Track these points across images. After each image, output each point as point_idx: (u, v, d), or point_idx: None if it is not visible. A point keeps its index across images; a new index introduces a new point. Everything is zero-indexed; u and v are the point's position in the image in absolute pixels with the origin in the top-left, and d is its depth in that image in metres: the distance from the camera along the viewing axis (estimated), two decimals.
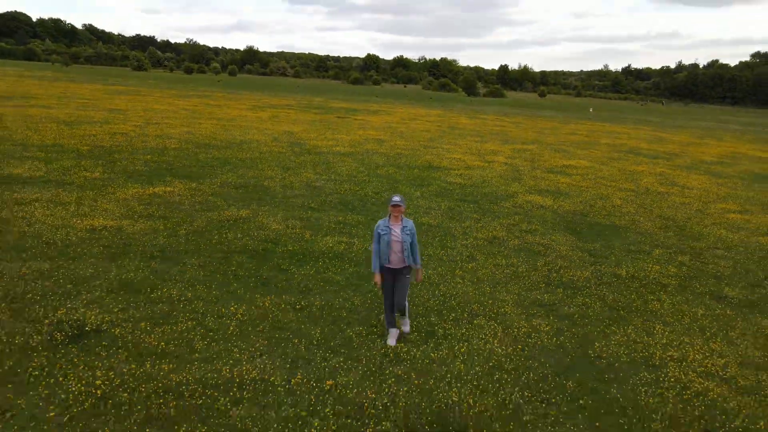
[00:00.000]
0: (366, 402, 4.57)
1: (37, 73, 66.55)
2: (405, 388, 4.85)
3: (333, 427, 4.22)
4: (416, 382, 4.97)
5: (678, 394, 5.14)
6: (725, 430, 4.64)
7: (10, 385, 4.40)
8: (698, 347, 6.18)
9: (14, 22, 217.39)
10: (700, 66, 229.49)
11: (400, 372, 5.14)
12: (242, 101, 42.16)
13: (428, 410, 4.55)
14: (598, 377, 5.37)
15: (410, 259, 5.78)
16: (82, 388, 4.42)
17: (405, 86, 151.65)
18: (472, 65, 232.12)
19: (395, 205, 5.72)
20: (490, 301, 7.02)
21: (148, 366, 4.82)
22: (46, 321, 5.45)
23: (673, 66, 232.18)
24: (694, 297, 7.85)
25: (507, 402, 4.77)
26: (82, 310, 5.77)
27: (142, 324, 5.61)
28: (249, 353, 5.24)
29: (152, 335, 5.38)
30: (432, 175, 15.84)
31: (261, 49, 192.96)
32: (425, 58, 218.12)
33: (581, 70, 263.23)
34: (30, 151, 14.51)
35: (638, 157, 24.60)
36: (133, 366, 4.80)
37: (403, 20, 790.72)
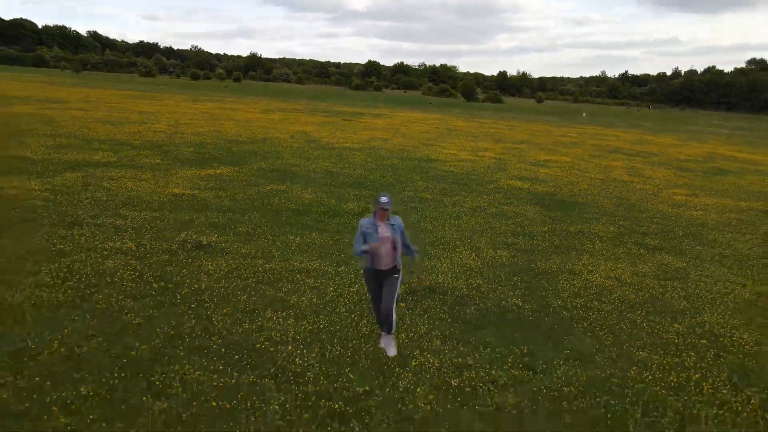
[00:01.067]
0: None
1: (55, 79, 69.63)
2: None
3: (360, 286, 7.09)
4: (420, 275, 7.82)
5: (584, 285, 7.99)
6: (607, 300, 7.48)
7: (169, 267, 7.26)
8: (609, 266, 9.03)
9: (20, 28, 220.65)
10: (699, 72, 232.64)
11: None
12: (253, 105, 45.12)
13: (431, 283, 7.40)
14: (534, 277, 8.22)
15: (400, 258, 5.48)
16: (212, 269, 7.28)
17: (405, 92, 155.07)
18: (471, 71, 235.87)
19: (383, 209, 5.27)
20: (469, 241, 9.87)
21: (248, 261, 7.69)
22: (176, 239, 8.33)
23: (669, 72, 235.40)
24: (621, 244, 10.68)
25: (473, 284, 7.61)
26: (195, 235, 8.65)
27: (236, 243, 8.48)
28: (309, 258, 8.10)
29: (245, 248, 8.26)
30: (429, 165, 18.72)
31: (262, 56, 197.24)
32: (425, 65, 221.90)
33: (581, 76, 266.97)
34: (94, 144, 17.40)
35: (617, 155, 27.44)
36: (240, 260, 7.67)
37: (403, 27, 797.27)
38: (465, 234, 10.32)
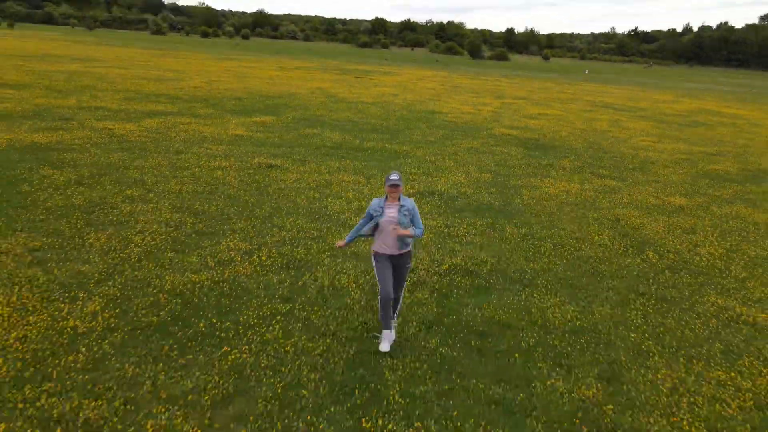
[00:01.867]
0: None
1: (75, 38, 72.04)
2: (412, 175, 11.17)
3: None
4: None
5: (540, 193, 11.40)
6: (554, 202, 10.90)
7: (256, 176, 10.72)
8: (563, 185, 12.39)
9: None
10: (712, 28, 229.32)
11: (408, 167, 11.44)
12: (268, 63, 47.85)
13: (424, 187, 10.85)
14: (506, 188, 11.62)
15: (412, 243, 5.39)
16: (284, 179, 10.74)
17: (412, 49, 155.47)
18: (480, 28, 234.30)
19: (393, 185, 5.11)
20: (462, 168, 13.25)
21: (307, 175, 11.15)
22: (252, 162, 11.79)
23: (672, 29, 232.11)
24: (579, 172, 14.03)
25: (461, 191, 11.05)
26: (264, 159, 12.10)
27: (295, 165, 11.92)
28: (347, 174, 11.53)
29: (302, 167, 11.72)
30: (434, 116, 21.92)
31: (268, 12, 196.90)
32: (432, 21, 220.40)
33: (591, 33, 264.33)
34: (152, 98, 20.69)
35: (607, 110, 30.38)
36: (301, 174, 11.13)
37: None
38: (459, 164, 13.70)
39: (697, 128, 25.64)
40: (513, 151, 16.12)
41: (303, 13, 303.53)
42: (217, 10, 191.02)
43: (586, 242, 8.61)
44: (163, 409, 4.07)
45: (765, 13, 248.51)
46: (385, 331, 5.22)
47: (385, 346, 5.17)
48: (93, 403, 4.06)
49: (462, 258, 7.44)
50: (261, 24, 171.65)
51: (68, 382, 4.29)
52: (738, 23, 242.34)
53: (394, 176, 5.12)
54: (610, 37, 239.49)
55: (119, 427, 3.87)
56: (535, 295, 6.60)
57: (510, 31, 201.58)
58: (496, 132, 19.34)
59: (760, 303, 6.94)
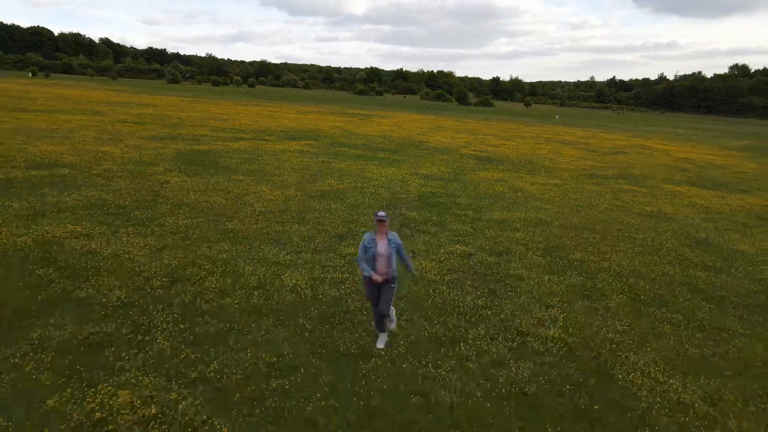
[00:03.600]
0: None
1: (112, 87, 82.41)
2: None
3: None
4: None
5: (481, 178, 20.67)
6: (486, 184, 20.19)
7: (342, 165, 19.95)
8: (497, 174, 21.68)
9: (38, 36, 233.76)
10: (684, 77, 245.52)
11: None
12: (286, 108, 57.83)
13: (413, 171, 20.12)
14: (459, 174, 20.86)
15: (395, 271, 6.42)
16: (344, 167, 19.97)
17: (404, 96, 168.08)
18: (470, 75, 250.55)
19: (380, 221, 6.24)
20: (435, 166, 22.52)
21: (362, 167, 20.39)
22: (317, 160, 21.07)
23: (653, 77, 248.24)
24: (504, 170, 23.29)
25: (430, 173, 20.30)
26: (323, 158, 21.36)
27: (348, 162, 21.16)
28: (370, 166, 20.75)
29: (354, 164, 20.96)
30: (421, 144, 31.40)
31: (259, 59, 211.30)
32: (423, 71, 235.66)
33: (570, 81, 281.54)
34: (226, 130, 30.02)
35: (556, 143, 39.97)
36: (356, 168, 20.37)
37: (402, 31, 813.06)
38: (434, 164, 22.99)
39: (617, 155, 35.06)
40: (470, 161, 25.48)
41: (299, 62, 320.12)
42: (222, 60, 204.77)
43: (484, 189, 17.83)
44: None
45: (734, 63, 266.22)
46: (381, 335, 6.62)
47: (380, 344, 6.55)
48: None
49: (430, 189, 16.60)
50: (264, 73, 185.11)
51: None
52: (710, 72, 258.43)
53: (381, 213, 6.22)
54: (590, 85, 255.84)
55: None
56: (449, 214, 15.76)
57: (495, 80, 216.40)
58: (462, 152, 28.79)
59: (541, 180, 16.11)
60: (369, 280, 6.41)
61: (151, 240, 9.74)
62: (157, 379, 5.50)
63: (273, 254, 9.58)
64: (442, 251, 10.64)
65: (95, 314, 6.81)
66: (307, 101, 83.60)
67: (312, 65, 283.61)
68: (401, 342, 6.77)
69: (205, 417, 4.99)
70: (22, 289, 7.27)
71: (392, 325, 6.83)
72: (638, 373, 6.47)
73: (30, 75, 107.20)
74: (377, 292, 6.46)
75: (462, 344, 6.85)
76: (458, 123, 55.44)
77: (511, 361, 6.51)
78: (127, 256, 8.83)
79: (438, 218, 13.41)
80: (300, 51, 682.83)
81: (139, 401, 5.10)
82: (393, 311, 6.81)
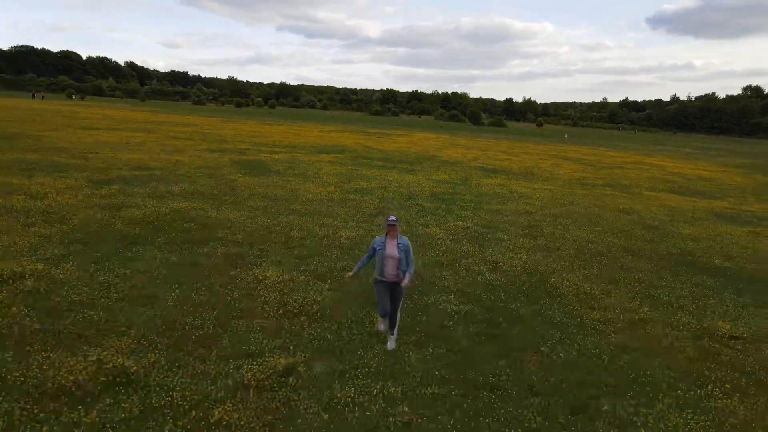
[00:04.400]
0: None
1: (145, 108, 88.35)
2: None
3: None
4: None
5: (481, 182, 24.70)
6: (477, 180, 24.23)
7: (370, 171, 24.17)
8: (493, 181, 25.68)
9: (68, 60, 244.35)
10: (695, 99, 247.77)
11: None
12: (310, 128, 62.51)
13: (427, 178, 24.21)
14: (467, 180, 24.90)
15: (404, 270, 6.70)
16: (370, 172, 24.16)
17: (420, 117, 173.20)
18: (485, 96, 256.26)
19: (391, 225, 6.62)
20: (446, 174, 26.59)
21: (373, 172, 24.56)
22: (348, 167, 25.29)
23: (685, 98, 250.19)
24: (507, 179, 27.26)
25: (441, 180, 24.38)
26: (351, 167, 25.59)
27: (365, 169, 25.35)
28: (391, 173, 24.90)
29: (369, 171, 25.15)
30: (434, 158, 35.54)
31: (277, 81, 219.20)
32: (438, 92, 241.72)
33: (582, 102, 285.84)
34: (266, 146, 34.47)
35: (558, 159, 43.84)
36: (371, 171, 24.56)
37: (417, 53, 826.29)
38: (446, 173, 27.03)
39: (614, 170, 38.76)
40: (477, 172, 29.51)
41: (315, 83, 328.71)
42: (243, 82, 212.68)
43: (486, 190, 21.83)
44: None
45: (747, 84, 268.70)
46: (390, 336, 6.94)
47: (390, 345, 6.89)
48: None
49: (441, 189, 20.67)
50: (283, 95, 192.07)
51: None
52: (725, 94, 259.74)
53: (392, 218, 6.68)
54: (602, 105, 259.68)
55: None
56: (455, 205, 19.81)
57: (509, 101, 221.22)
58: (471, 165, 32.87)
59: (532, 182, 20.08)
60: (378, 280, 6.85)
61: (244, 212, 13.96)
62: (287, 267, 9.58)
63: (329, 222, 13.73)
64: (447, 225, 14.68)
65: (232, 245, 11.04)
66: (326, 121, 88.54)
67: (328, 87, 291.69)
68: (419, 261, 10.77)
69: (311, 281, 9.02)
70: (181, 233, 11.48)
71: (391, 345, 6.98)
72: (565, 281, 10.43)
73: (73, 97, 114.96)
74: (386, 292, 6.77)
75: (456, 265, 10.88)
76: (470, 141, 59.59)
77: (487, 273, 10.53)
78: (234, 219, 13.07)
79: (446, 207, 17.46)
80: (316, 73, 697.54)
81: (278, 278, 9.20)
82: (398, 320, 7.11)
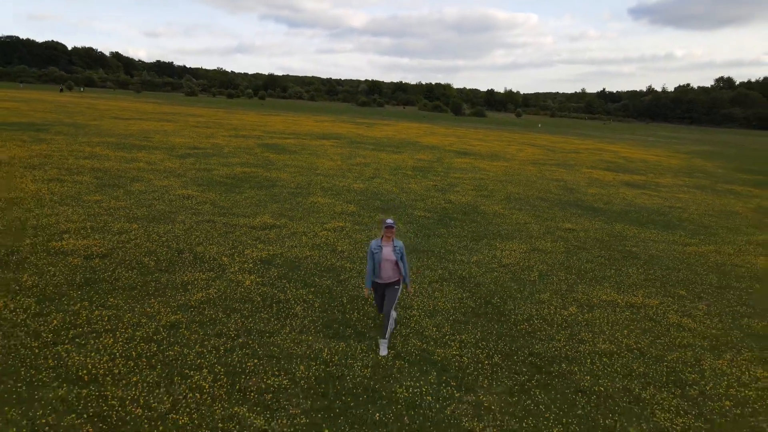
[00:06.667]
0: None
1: (142, 100, 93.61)
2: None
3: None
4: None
5: (452, 162, 31.59)
6: (459, 166, 31.14)
7: (377, 154, 30.95)
8: (462, 161, 32.59)
9: (53, 50, 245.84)
10: (685, 88, 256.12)
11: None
12: (304, 118, 68.84)
13: (409, 158, 31.06)
14: (441, 160, 31.79)
15: (400, 273, 6.99)
16: (370, 153, 30.94)
17: (404, 107, 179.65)
18: (469, 87, 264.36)
19: (388, 227, 6.91)
20: (423, 154, 33.44)
21: (372, 153, 31.34)
22: (350, 148, 32.05)
23: (672, 88, 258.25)
24: (474, 159, 34.17)
25: (423, 159, 31.25)
26: (352, 149, 32.36)
27: (364, 149, 32.11)
28: (384, 153, 31.69)
29: (366, 151, 31.92)
30: (416, 143, 42.32)
31: (260, 71, 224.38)
32: (422, 83, 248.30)
33: (574, 92, 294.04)
34: (270, 134, 40.96)
35: (525, 145, 50.82)
36: (368, 151, 31.34)
37: (402, 43, 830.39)
38: (423, 155, 33.84)
39: (570, 154, 45.63)
40: (451, 153, 36.37)
41: (300, 74, 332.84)
42: (231, 73, 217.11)
43: (454, 166, 28.76)
44: None
45: (727, 76, 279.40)
46: (382, 342, 7.07)
47: (383, 352, 6.98)
48: None
49: (420, 165, 27.53)
50: (271, 86, 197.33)
51: None
52: (702, 84, 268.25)
53: (389, 221, 7.00)
54: (581, 96, 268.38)
55: None
56: (430, 173, 26.73)
57: (490, 92, 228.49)
58: (446, 149, 39.71)
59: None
60: (374, 284, 7.15)
61: (285, 175, 20.76)
62: (327, 197, 16.36)
63: (343, 181, 20.57)
64: (422, 183, 21.59)
65: (290, 188, 17.91)
66: (316, 112, 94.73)
67: (314, 77, 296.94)
68: (405, 198, 17.56)
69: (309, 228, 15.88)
70: (257, 182, 18.25)
71: (383, 352, 7.00)
72: (489, 209, 17.38)
73: (81, 89, 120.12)
74: (382, 293, 7.10)
75: (426, 200, 17.82)
76: (449, 130, 66.42)
77: (443, 203, 17.49)
78: (283, 178, 19.90)
79: (423, 174, 24.34)
80: (300, 63, 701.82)
81: (324, 202, 16.08)
82: (392, 321, 7.23)
